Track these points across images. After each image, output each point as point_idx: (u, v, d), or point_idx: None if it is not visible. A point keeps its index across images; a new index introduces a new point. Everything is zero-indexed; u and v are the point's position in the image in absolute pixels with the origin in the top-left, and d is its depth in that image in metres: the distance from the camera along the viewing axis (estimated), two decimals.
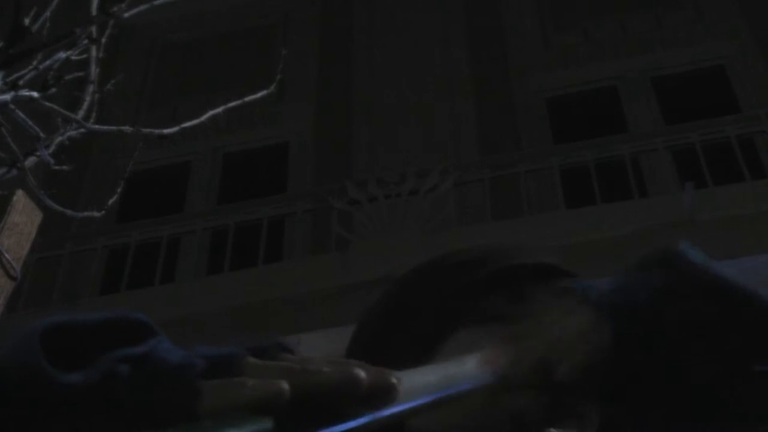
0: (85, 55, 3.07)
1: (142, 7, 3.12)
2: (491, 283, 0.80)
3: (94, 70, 3.06)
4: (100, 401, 0.48)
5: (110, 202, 3.27)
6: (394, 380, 0.48)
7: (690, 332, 0.55)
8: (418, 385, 0.50)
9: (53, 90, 2.92)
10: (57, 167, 3.02)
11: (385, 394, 0.48)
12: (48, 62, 2.97)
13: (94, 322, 0.51)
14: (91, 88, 3.08)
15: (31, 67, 2.94)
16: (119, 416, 0.47)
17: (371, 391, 0.47)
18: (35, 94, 2.86)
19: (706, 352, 0.55)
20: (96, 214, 3.27)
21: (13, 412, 0.48)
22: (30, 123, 2.91)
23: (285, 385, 0.46)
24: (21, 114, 2.88)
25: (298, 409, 0.46)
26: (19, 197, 2.76)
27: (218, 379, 0.48)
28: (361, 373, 0.47)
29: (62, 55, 3.00)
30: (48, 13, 2.96)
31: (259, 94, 3.61)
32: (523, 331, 0.54)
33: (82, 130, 3.08)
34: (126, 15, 2.98)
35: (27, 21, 2.80)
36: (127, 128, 3.15)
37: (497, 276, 0.80)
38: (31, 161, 2.93)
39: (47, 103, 2.93)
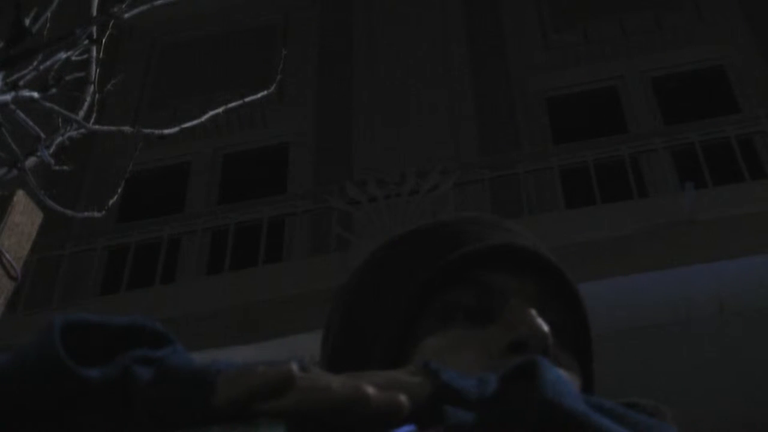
0: (85, 56, 3.07)
1: (143, 8, 3.12)
2: (448, 275, 0.78)
3: (94, 71, 3.06)
4: (116, 398, 0.48)
5: (110, 202, 3.27)
6: (403, 399, 0.48)
7: None
8: None
9: (53, 90, 2.92)
10: (57, 167, 3.02)
11: (393, 412, 0.48)
12: (48, 63, 2.97)
13: (117, 325, 0.52)
14: (91, 88, 3.08)
15: (31, 67, 2.94)
16: (133, 414, 0.47)
17: (379, 408, 0.47)
18: (36, 94, 2.86)
19: None
20: (96, 214, 3.27)
21: (31, 400, 0.48)
22: (30, 123, 2.91)
23: (294, 367, 0.47)
24: (21, 114, 2.88)
25: (308, 425, 0.46)
26: (20, 197, 2.76)
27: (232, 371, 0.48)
28: (369, 390, 0.47)
29: (62, 55, 3.00)
30: (48, 14, 2.96)
31: (259, 94, 3.60)
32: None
33: (83, 130, 3.08)
34: (126, 15, 2.98)
35: (27, 21, 2.80)
36: (127, 128, 3.15)
37: (452, 267, 0.78)
38: (31, 161, 2.94)
39: (47, 104, 2.93)
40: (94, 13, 2.96)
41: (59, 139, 3.00)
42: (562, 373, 0.67)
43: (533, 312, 0.74)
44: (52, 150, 2.96)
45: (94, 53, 3.04)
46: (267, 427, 0.46)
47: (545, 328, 0.73)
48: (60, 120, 3.03)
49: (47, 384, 0.48)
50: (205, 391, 0.47)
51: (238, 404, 0.47)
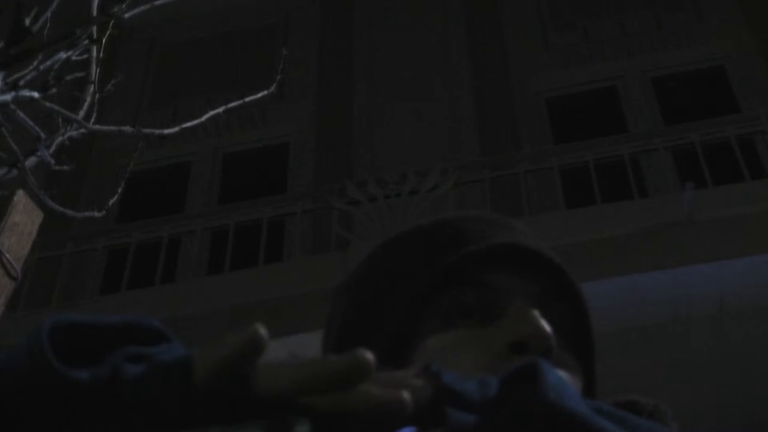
0: (85, 56, 3.07)
1: (143, 8, 3.12)
2: (451, 275, 0.77)
3: (94, 71, 3.06)
4: (107, 398, 0.48)
5: (111, 202, 3.27)
6: (405, 396, 0.47)
7: None
8: None
9: (54, 90, 2.92)
10: (57, 167, 3.03)
11: (395, 409, 0.47)
12: (48, 62, 2.97)
13: (109, 325, 0.51)
14: (91, 88, 3.09)
15: (31, 67, 2.94)
16: (124, 413, 0.47)
17: (380, 404, 0.47)
18: (36, 94, 2.86)
19: None
20: (96, 214, 3.27)
21: (20, 403, 0.48)
22: (30, 123, 2.91)
23: (261, 329, 0.46)
24: (21, 114, 2.88)
25: (307, 410, 0.46)
26: (20, 197, 2.76)
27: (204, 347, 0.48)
28: (367, 355, 0.47)
29: (63, 55, 3.00)
30: (48, 14, 2.96)
31: (259, 94, 3.61)
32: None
33: (83, 130, 3.08)
34: (126, 15, 2.98)
35: (27, 21, 2.80)
36: (127, 128, 3.15)
37: (455, 266, 0.77)
38: (31, 161, 2.94)
39: (48, 104, 2.93)
40: (94, 13, 2.96)
41: (59, 139, 3.01)
42: (563, 375, 0.67)
43: (536, 313, 0.74)
44: (52, 150, 2.96)
45: (94, 53, 3.04)
46: (266, 428, 0.46)
47: (548, 329, 0.73)
48: (60, 120, 3.03)
49: (36, 387, 0.48)
50: (184, 375, 0.47)
51: (214, 378, 0.46)
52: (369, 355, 0.46)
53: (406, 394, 0.47)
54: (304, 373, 0.46)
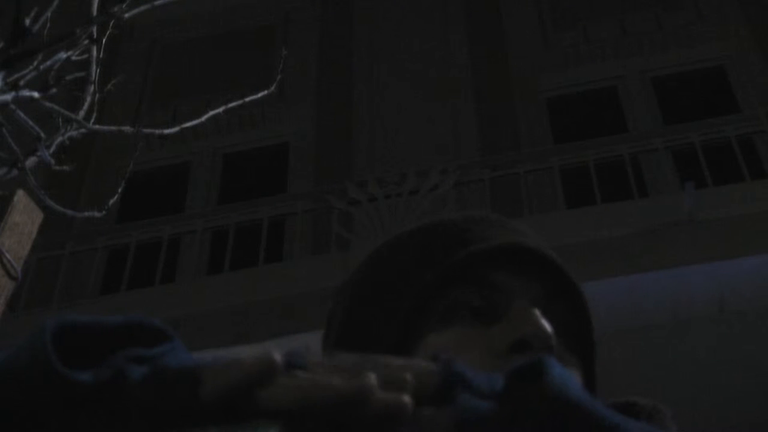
0: (85, 56, 3.07)
1: (143, 8, 3.12)
2: (453, 274, 0.77)
3: (94, 71, 3.06)
4: (110, 400, 0.48)
5: (111, 202, 3.27)
6: (406, 400, 0.47)
7: None
8: None
9: (54, 90, 2.92)
10: (57, 167, 3.03)
11: (396, 413, 0.47)
12: (49, 62, 2.98)
13: (111, 325, 0.51)
14: (91, 88, 3.09)
15: (31, 67, 2.95)
16: (127, 415, 0.47)
17: (382, 408, 0.47)
18: (36, 94, 2.87)
19: None
20: (96, 214, 3.27)
21: (22, 405, 0.48)
22: (31, 123, 2.91)
23: (277, 356, 0.47)
24: (22, 114, 2.88)
25: (309, 423, 0.46)
26: (20, 197, 2.77)
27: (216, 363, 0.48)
28: (373, 387, 0.47)
29: (63, 55, 3.01)
30: (48, 14, 2.97)
31: (259, 94, 3.61)
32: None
33: (83, 130, 3.08)
34: (126, 15, 2.98)
35: (27, 21, 2.81)
36: (127, 128, 3.15)
37: (458, 266, 0.78)
38: (31, 161, 2.94)
39: (48, 104, 2.94)
40: (94, 13, 2.96)
41: (59, 139, 3.01)
42: (567, 371, 0.67)
43: (537, 312, 0.74)
44: (52, 150, 2.97)
45: (94, 53, 3.04)
46: (265, 428, 0.46)
47: (549, 328, 0.73)
48: (60, 120, 3.03)
49: (38, 389, 0.47)
50: (192, 386, 0.47)
51: (225, 396, 0.47)
52: (372, 381, 0.47)
53: (406, 398, 0.47)
54: (306, 395, 0.46)
